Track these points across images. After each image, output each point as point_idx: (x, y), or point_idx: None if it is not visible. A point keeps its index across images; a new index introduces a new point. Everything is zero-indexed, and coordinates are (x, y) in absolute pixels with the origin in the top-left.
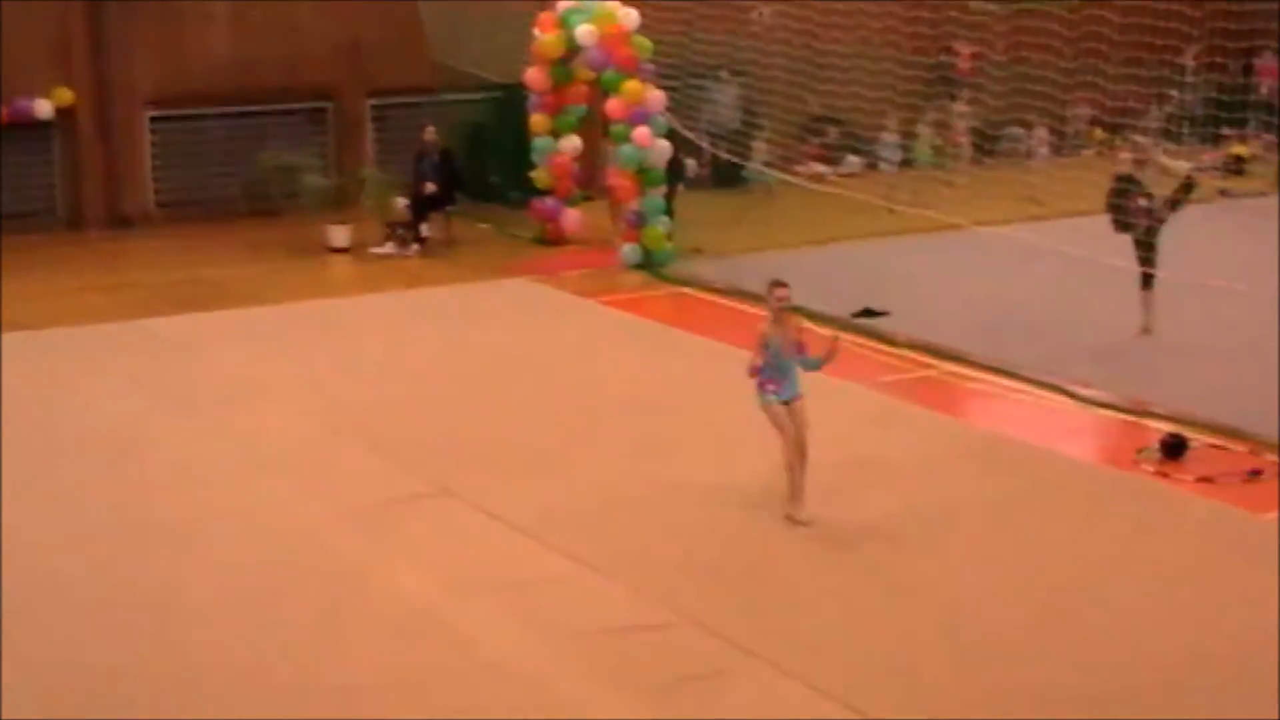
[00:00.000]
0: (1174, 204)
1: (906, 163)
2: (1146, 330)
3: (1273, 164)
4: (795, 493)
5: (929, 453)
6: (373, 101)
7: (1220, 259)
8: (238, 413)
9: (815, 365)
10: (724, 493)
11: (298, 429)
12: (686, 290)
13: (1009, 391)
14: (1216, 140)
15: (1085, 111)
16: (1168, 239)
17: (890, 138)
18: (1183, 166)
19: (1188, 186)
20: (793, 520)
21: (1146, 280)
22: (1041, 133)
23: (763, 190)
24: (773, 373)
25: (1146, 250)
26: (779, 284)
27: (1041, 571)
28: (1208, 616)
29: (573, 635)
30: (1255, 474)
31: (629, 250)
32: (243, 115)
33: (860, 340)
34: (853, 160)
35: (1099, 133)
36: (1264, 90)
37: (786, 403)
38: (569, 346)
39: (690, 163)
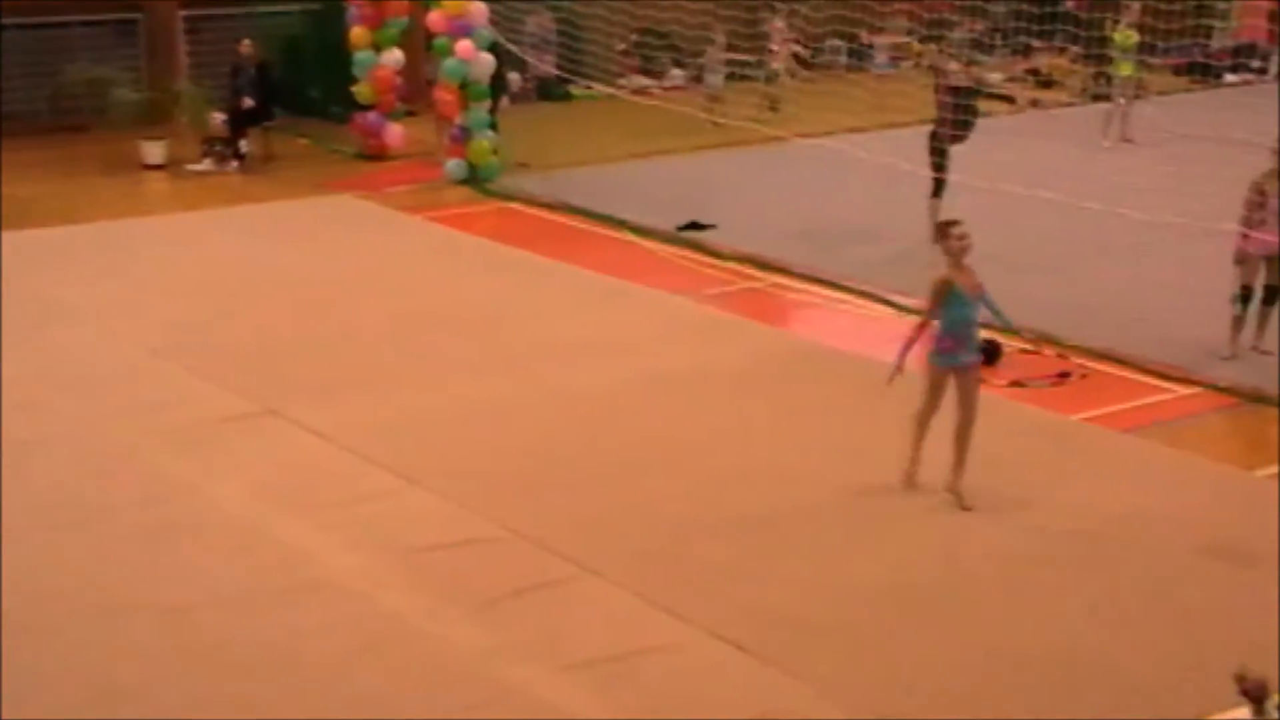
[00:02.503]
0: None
1: (730, 76)
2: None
3: (1079, 75)
4: (959, 464)
5: (754, 363)
6: (185, 13)
7: (1028, 168)
8: (52, 335)
9: (1008, 321)
10: (553, 407)
11: (115, 351)
12: (512, 205)
13: (832, 301)
14: (1027, 51)
15: (904, 24)
16: (975, 149)
17: (715, 51)
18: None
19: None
20: (958, 501)
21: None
22: (885, 40)
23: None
24: (953, 329)
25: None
26: (955, 223)
27: (860, 477)
28: (1021, 514)
29: (402, 551)
30: (1063, 376)
31: (454, 165)
32: (46, 26)
33: (686, 254)
34: (676, 73)
35: (916, 45)
36: (1069, 3)
37: (961, 368)
38: (394, 263)
39: (514, 76)
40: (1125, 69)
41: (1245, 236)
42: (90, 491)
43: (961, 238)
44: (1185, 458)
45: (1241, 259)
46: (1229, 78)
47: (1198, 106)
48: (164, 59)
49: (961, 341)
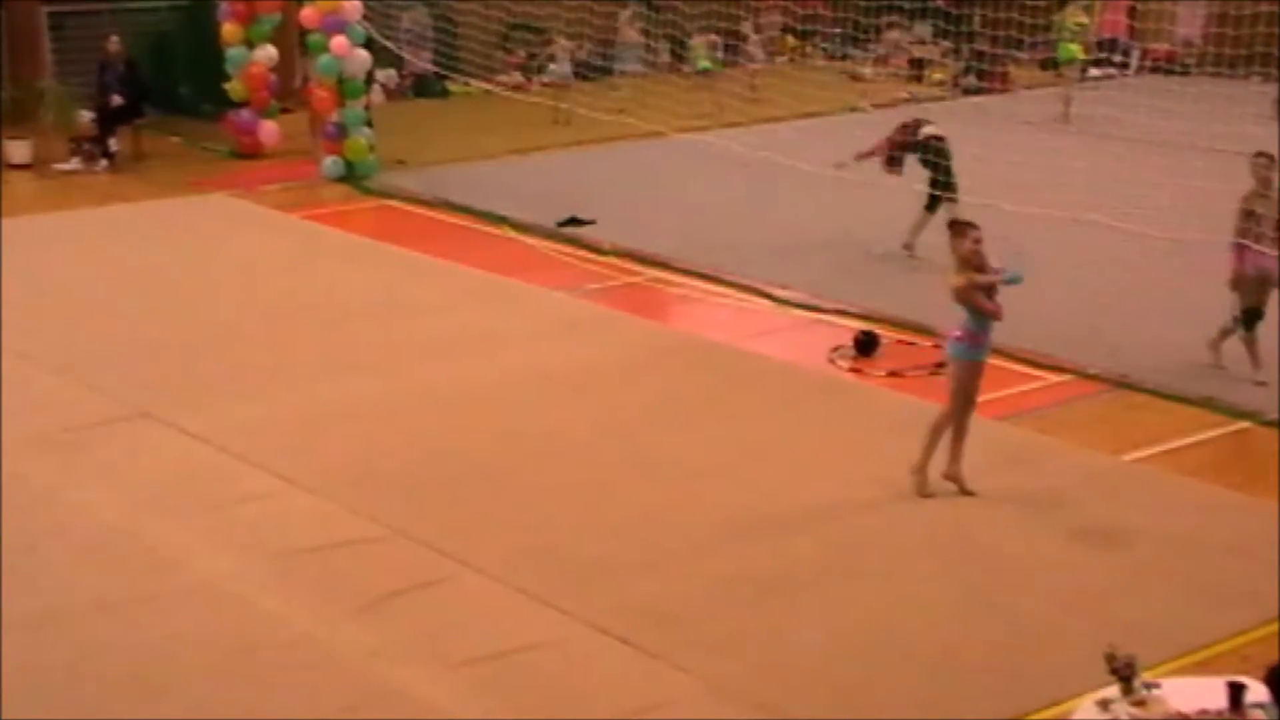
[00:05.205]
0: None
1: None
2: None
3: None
4: (958, 454)
5: (635, 358)
6: (49, 9)
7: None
8: None
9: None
10: (434, 404)
11: None
12: (390, 203)
13: (711, 295)
14: (896, 46)
15: (777, 19)
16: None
17: (564, 41)
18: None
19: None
20: (960, 488)
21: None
22: (774, 33)
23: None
24: (982, 327)
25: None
26: (971, 225)
27: (740, 468)
28: (898, 504)
29: (281, 553)
30: (940, 366)
31: (330, 163)
32: None
33: (566, 249)
34: (554, 69)
35: (790, 40)
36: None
37: (980, 365)
38: (270, 262)
39: (390, 73)
40: (1074, 51)
41: (1240, 260)
42: None
43: (979, 241)
44: (1056, 443)
45: (1238, 283)
46: (1092, 72)
47: (1063, 100)
48: (27, 56)
49: (987, 338)
